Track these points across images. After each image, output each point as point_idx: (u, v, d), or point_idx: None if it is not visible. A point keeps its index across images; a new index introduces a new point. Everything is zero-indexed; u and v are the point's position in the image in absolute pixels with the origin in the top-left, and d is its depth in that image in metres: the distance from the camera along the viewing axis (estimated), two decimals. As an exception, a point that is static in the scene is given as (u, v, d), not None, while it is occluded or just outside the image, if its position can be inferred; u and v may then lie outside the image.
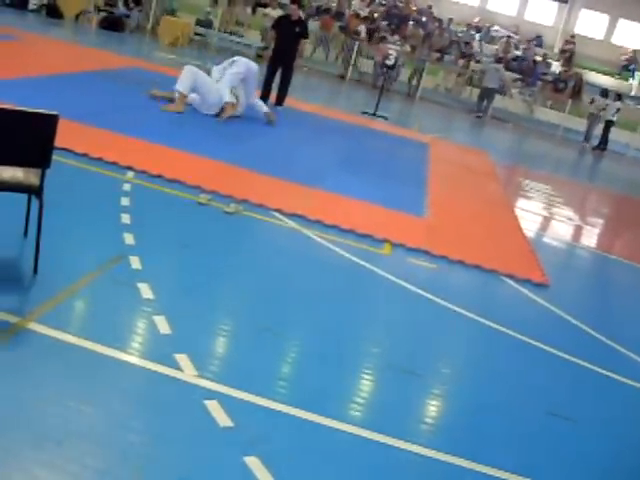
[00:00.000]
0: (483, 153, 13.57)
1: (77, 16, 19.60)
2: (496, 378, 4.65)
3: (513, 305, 6.15)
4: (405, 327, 5.09)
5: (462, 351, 5.05)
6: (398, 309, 5.38)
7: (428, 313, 5.41)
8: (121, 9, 20.71)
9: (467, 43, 23.14)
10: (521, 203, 10.46)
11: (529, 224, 9.06)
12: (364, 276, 5.78)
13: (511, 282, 6.49)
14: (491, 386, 4.52)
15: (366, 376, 4.25)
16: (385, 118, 14.55)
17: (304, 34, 12.30)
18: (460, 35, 23.54)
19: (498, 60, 22.09)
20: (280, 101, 12.38)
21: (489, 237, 7.88)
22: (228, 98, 10.09)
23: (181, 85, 9.84)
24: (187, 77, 9.90)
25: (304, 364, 4.27)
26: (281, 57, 12.20)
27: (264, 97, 12.12)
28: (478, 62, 22.57)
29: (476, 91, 21.72)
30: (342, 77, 21.04)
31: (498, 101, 21.19)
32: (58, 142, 4.27)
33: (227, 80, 10.22)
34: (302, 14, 12.90)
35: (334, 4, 23.99)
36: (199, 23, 20.94)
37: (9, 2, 19.29)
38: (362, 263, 5.95)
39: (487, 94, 20.20)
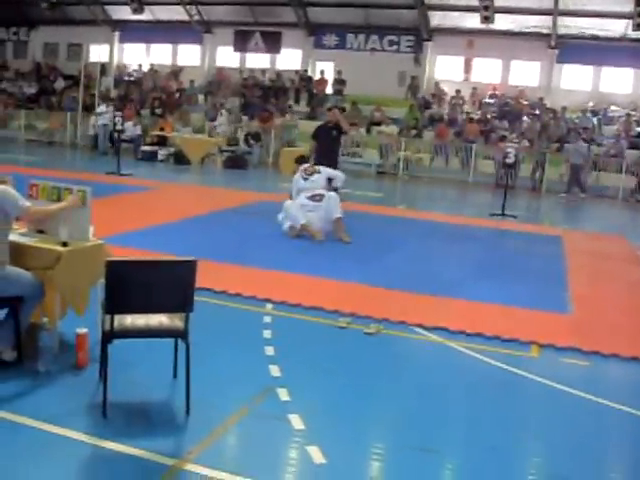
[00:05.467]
0: (619, 238, 13.07)
1: (202, 159, 20.74)
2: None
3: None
4: (565, 433, 4.79)
5: (635, 455, 4.69)
6: (554, 413, 5.09)
7: (588, 415, 5.10)
8: (242, 147, 21.79)
9: (585, 128, 22.76)
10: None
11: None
12: (515, 383, 5.56)
13: (675, 371, 6.08)
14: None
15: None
16: (514, 217, 14.36)
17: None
18: (577, 122, 23.20)
19: (617, 139, 21.69)
20: None
21: (641, 325, 7.48)
22: (340, 213, 10.32)
23: (300, 218, 10.17)
24: (298, 211, 10.26)
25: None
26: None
27: None
28: (600, 145, 22.13)
29: (602, 175, 21.20)
30: (464, 182, 21.13)
31: (628, 181, 20.55)
32: (196, 282, 4.44)
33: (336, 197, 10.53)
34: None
35: (445, 112, 24.30)
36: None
37: (141, 157, 20.74)
38: (511, 369, 5.75)
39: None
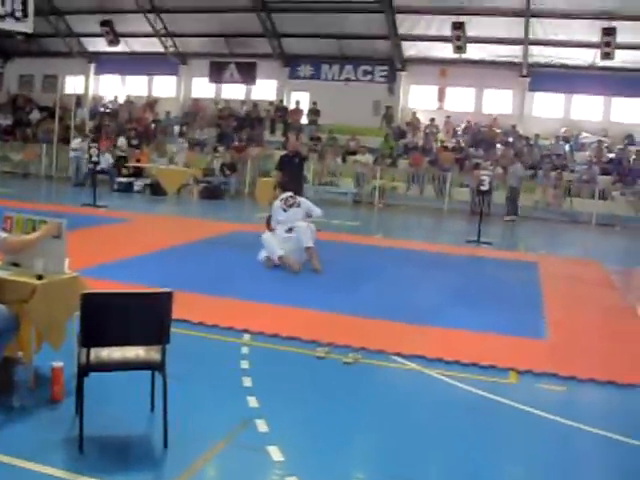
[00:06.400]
0: (594, 263, 13.19)
1: (179, 190, 20.74)
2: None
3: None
4: (545, 459, 4.80)
5: (613, 478, 4.70)
6: (534, 439, 5.11)
7: (566, 440, 5.12)
8: (218, 177, 21.81)
9: (558, 155, 23.06)
10: (645, 308, 10.04)
11: (658, 330, 8.63)
12: (493, 410, 5.58)
13: (651, 395, 6.13)
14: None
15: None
16: (490, 244, 14.46)
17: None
18: (549, 148, 23.51)
19: (590, 165, 22.04)
20: None
21: (617, 349, 7.51)
22: (311, 243, 10.35)
23: (277, 250, 10.15)
24: (275, 243, 10.25)
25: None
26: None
27: None
28: (572, 172, 22.42)
29: (576, 200, 21.47)
30: (439, 209, 21.25)
31: (601, 206, 20.82)
32: (173, 314, 4.43)
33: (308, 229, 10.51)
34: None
35: (420, 141, 24.53)
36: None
37: (117, 188, 20.70)
38: (489, 396, 5.76)
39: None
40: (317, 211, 11.05)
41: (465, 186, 21.81)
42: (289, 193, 10.98)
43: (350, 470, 4.44)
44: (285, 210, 10.69)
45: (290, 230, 10.43)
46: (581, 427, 5.25)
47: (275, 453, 4.44)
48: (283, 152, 14.33)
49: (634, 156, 22.54)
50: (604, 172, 22.25)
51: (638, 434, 5.15)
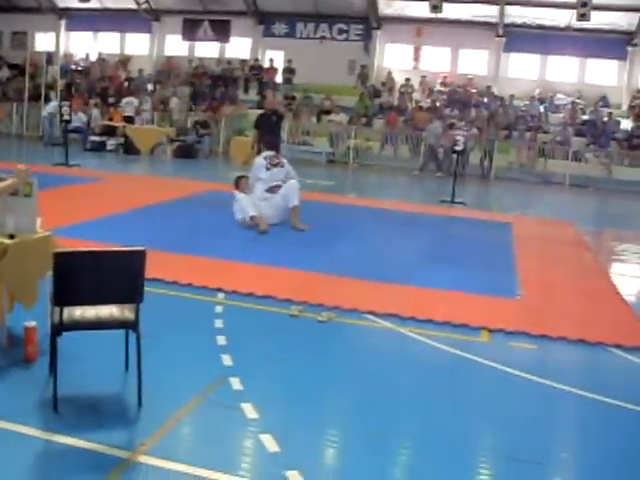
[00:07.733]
0: (567, 223, 13.31)
1: (152, 149, 20.53)
2: (628, 462, 4.38)
3: (627, 377, 5.87)
4: (516, 414, 4.89)
5: (582, 434, 4.80)
6: (505, 396, 5.19)
7: (537, 397, 5.21)
8: (192, 137, 21.61)
9: (533, 116, 23.10)
10: (616, 268, 10.16)
11: (628, 289, 8.76)
12: (465, 367, 5.65)
13: (620, 352, 6.23)
14: (619, 471, 4.27)
15: (484, 471, 4.09)
16: (464, 204, 14.51)
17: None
18: (524, 109, 23.54)
19: (564, 126, 22.14)
20: None
21: (588, 309, 7.63)
22: (298, 201, 10.31)
23: (249, 210, 10.04)
24: (247, 203, 10.13)
25: (417, 466, 4.14)
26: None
27: None
28: (547, 133, 22.49)
29: (550, 162, 21.58)
30: (413, 169, 21.21)
31: (575, 168, 20.95)
32: (147, 273, 4.41)
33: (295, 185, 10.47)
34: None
35: (395, 100, 24.42)
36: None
37: (89, 147, 20.43)
38: (462, 354, 5.83)
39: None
40: (295, 177, 10.95)
41: (440, 146, 21.80)
42: (272, 152, 10.93)
43: (324, 427, 4.48)
44: (268, 168, 10.59)
45: (272, 189, 10.39)
46: (551, 384, 5.34)
47: (249, 410, 4.47)
48: (259, 111, 14.23)
49: (607, 118, 22.66)
50: (578, 133, 22.37)
51: (608, 391, 5.25)
